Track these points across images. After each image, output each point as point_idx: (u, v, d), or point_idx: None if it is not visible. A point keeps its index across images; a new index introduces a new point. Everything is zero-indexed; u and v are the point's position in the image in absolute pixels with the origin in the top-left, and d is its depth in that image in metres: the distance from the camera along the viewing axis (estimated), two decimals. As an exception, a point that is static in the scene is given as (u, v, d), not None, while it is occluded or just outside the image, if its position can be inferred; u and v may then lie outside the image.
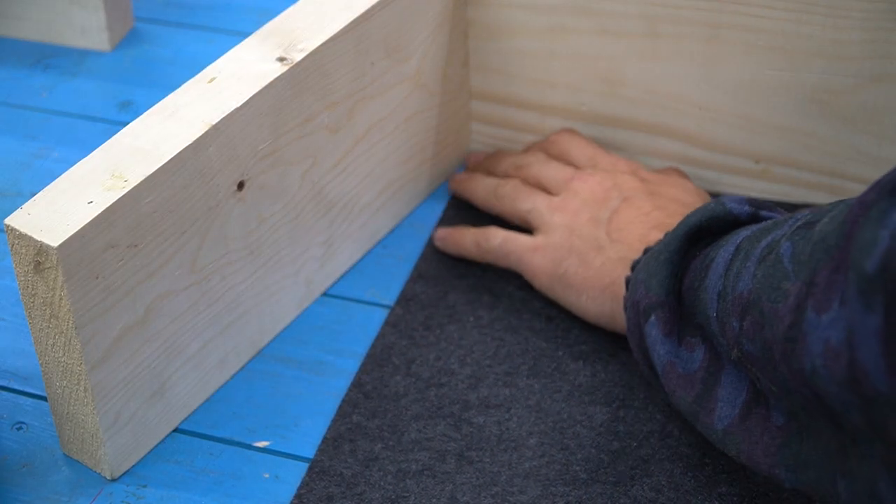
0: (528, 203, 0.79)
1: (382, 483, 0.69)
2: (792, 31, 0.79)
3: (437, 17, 0.83)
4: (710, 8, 0.80)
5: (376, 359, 0.76)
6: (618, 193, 0.77)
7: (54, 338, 0.67)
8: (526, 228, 0.80)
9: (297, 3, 0.77)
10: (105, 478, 0.71)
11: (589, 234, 0.75)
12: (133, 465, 0.72)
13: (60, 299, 0.65)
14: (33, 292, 0.66)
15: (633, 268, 0.69)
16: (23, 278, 0.66)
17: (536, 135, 0.88)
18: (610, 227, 0.75)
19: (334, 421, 0.73)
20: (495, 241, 0.79)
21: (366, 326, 0.79)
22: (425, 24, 0.82)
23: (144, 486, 0.71)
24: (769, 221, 0.64)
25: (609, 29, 0.82)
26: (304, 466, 0.71)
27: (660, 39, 0.82)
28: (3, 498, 0.70)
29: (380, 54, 0.79)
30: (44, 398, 0.75)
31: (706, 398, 0.63)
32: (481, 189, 0.83)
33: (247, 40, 0.75)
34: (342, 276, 0.82)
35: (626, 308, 0.69)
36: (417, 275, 0.81)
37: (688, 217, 0.67)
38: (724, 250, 0.63)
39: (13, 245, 0.65)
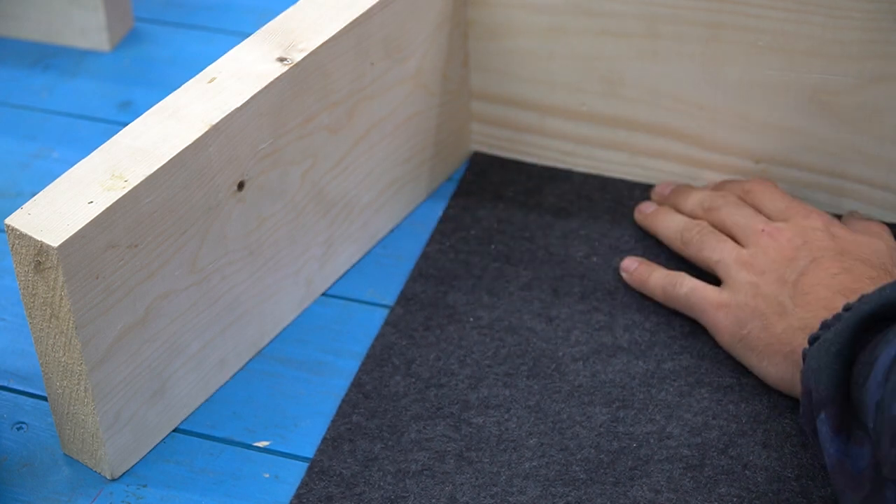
0: (716, 254, 0.78)
1: (382, 483, 0.69)
2: (792, 31, 0.79)
3: (438, 18, 0.83)
4: (710, 8, 0.80)
5: (376, 359, 0.76)
6: (807, 253, 0.75)
7: (55, 338, 0.67)
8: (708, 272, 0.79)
9: (298, 4, 0.77)
10: (105, 478, 0.71)
11: (774, 295, 0.73)
12: (133, 465, 0.72)
13: (61, 299, 0.65)
14: (34, 292, 0.66)
15: (810, 342, 0.67)
16: (23, 278, 0.66)
17: (536, 135, 0.88)
18: (795, 290, 0.73)
19: (334, 421, 0.73)
20: (682, 290, 0.77)
21: (366, 326, 0.79)
22: (425, 25, 0.82)
23: (144, 486, 0.71)
24: None
25: (609, 29, 0.82)
26: (305, 466, 0.71)
27: (660, 39, 0.82)
28: (3, 498, 0.70)
29: (380, 54, 0.79)
30: (44, 398, 0.75)
31: (875, 499, 0.61)
32: (668, 227, 0.82)
33: (247, 40, 0.75)
34: (342, 276, 0.82)
35: (802, 383, 0.67)
36: (417, 275, 0.81)
37: (860, 305, 0.64)
38: (886, 353, 0.61)
39: (13, 245, 0.65)
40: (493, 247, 0.83)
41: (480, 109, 0.89)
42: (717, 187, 0.84)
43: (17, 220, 0.65)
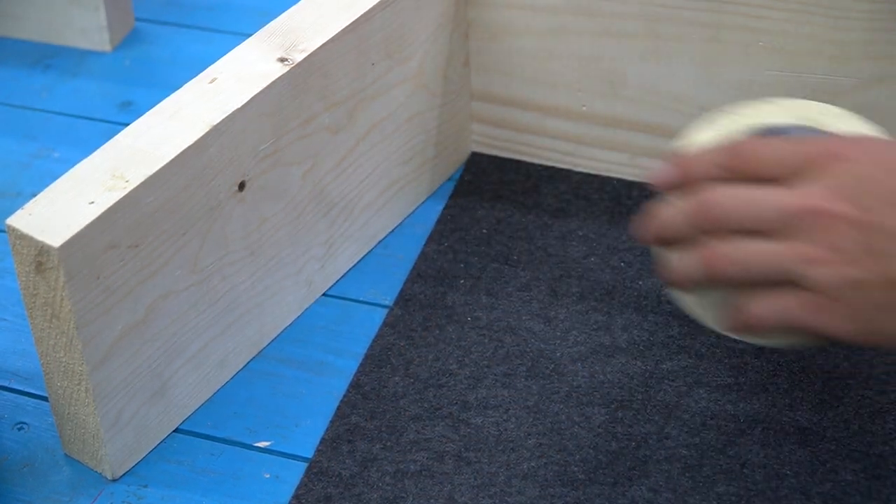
0: (769, 267, 0.63)
1: (381, 483, 0.69)
2: (792, 31, 0.79)
3: (438, 18, 0.83)
4: (710, 8, 0.80)
5: (375, 359, 0.76)
6: (868, 198, 0.62)
7: (55, 338, 0.67)
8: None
9: (298, 4, 0.77)
10: (106, 478, 0.71)
11: (874, 264, 0.61)
12: (134, 465, 0.72)
13: (62, 300, 0.65)
14: (34, 293, 0.66)
15: None
16: (24, 279, 0.66)
17: (537, 135, 0.88)
18: (871, 229, 0.61)
19: (333, 422, 0.73)
20: (765, 313, 0.63)
21: (366, 326, 0.79)
22: (426, 25, 0.82)
23: (145, 486, 0.71)
24: None
25: (610, 30, 0.83)
26: (305, 467, 0.71)
27: (660, 40, 0.82)
28: (4, 498, 0.70)
29: (380, 55, 0.79)
30: (45, 398, 0.75)
31: None
32: (681, 274, 0.65)
33: (248, 41, 0.75)
34: (342, 277, 0.82)
35: None
36: (417, 275, 0.81)
37: None
38: None
39: (14, 245, 0.65)
40: (491, 247, 0.83)
41: (481, 109, 0.89)
42: (680, 176, 0.66)
43: (17, 220, 0.65)
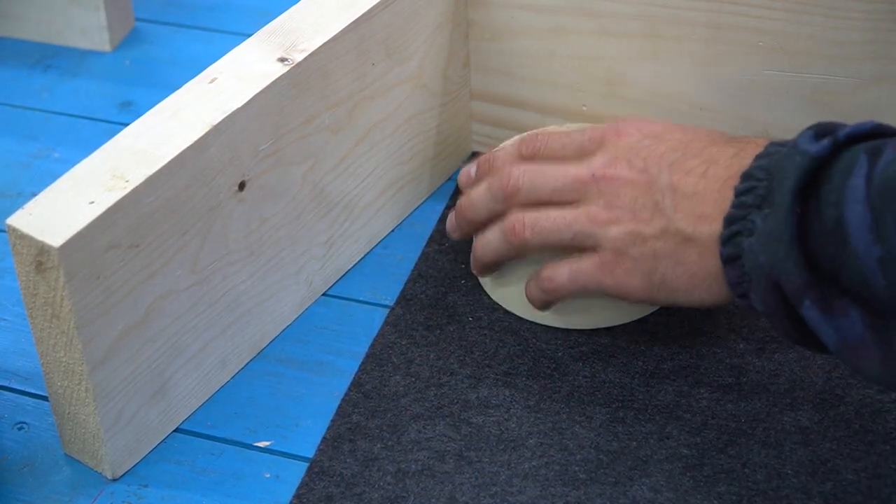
0: (563, 231, 0.71)
1: (382, 483, 0.69)
2: (792, 31, 0.79)
3: (438, 18, 0.83)
4: (710, 8, 0.80)
5: (376, 358, 0.76)
6: (655, 167, 0.69)
7: (55, 338, 0.67)
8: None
9: (298, 4, 0.77)
10: (106, 478, 0.71)
11: (661, 227, 0.68)
12: (134, 465, 0.72)
13: (62, 299, 0.65)
14: (35, 292, 0.66)
15: (724, 241, 0.65)
16: (24, 278, 0.66)
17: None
18: (675, 209, 0.68)
19: (334, 421, 0.73)
20: (561, 279, 0.73)
21: (366, 326, 0.79)
22: (426, 25, 0.82)
23: (145, 486, 0.71)
24: (868, 158, 0.59)
25: (609, 30, 0.83)
26: (306, 466, 0.71)
27: (660, 40, 0.82)
28: (4, 498, 0.70)
29: (380, 55, 0.79)
30: (45, 398, 0.75)
31: (890, 354, 0.60)
32: (486, 248, 0.76)
33: (248, 41, 0.75)
34: (343, 277, 0.82)
35: (738, 284, 0.65)
36: (417, 275, 0.81)
37: (782, 182, 0.62)
38: (849, 210, 0.59)
39: (14, 245, 0.65)
40: (493, 247, 0.83)
41: (481, 109, 0.89)
42: (482, 168, 0.76)
43: (18, 220, 0.65)
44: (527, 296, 0.76)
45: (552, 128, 0.79)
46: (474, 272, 0.79)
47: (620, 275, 0.70)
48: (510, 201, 0.73)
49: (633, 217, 0.69)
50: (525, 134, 0.77)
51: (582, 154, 0.72)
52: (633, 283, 0.70)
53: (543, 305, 0.75)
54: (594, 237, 0.70)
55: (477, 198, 0.75)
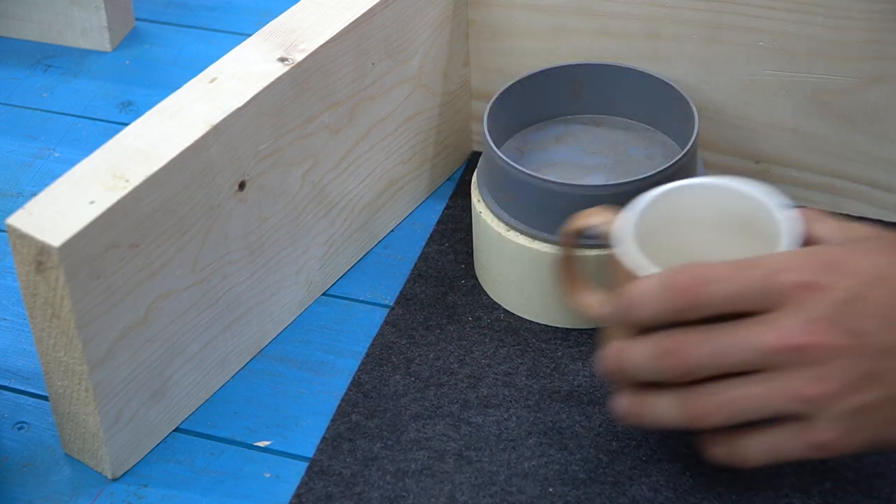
0: (759, 412, 0.61)
1: (381, 482, 0.69)
2: (792, 31, 0.79)
3: (438, 18, 0.83)
4: (710, 8, 0.80)
5: (376, 358, 0.76)
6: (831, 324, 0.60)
7: (56, 337, 0.67)
8: None
9: (298, 4, 0.77)
10: (106, 477, 0.71)
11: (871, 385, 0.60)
12: (134, 465, 0.72)
13: (62, 299, 0.65)
14: (35, 292, 0.66)
15: None
16: (24, 278, 0.66)
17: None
18: (867, 353, 0.60)
19: (333, 420, 0.73)
20: (756, 454, 0.63)
21: (366, 326, 0.79)
22: (426, 25, 0.82)
23: (145, 486, 0.71)
24: None
25: (610, 30, 0.83)
26: (305, 466, 0.71)
27: (660, 40, 0.82)
28: (4, 497, 0.70)
29: (381, 55, 0.79)
30: (45, 398, 0.75)
31: None
32: (655, 415, 0.64)
33: (248, 41, 0.75)
34: (343, 276, 0.82)
35: None
36: (418, 275, 0.81)
37: None
38: None
39: (14, 245, 0.65)
40: (493, 247, 0.83)
41: (481, 109, 0.89)
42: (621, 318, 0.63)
43: (18, 219, 0.65)
44: (708, 452, 0.65)
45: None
46: (619, 411, 0.65)
47: (837, 447, 0.61)
48: (684, 378, 0.62)
49: (854, 389, 0.60)
50: (668, 275, 0.61)
51: (757, 308, 0.61)
52: (849, 448, 0.62)
53: (722, 460, 0.65)
54: (798, 414, 0.61)
55: (636, 364, 0.63)
